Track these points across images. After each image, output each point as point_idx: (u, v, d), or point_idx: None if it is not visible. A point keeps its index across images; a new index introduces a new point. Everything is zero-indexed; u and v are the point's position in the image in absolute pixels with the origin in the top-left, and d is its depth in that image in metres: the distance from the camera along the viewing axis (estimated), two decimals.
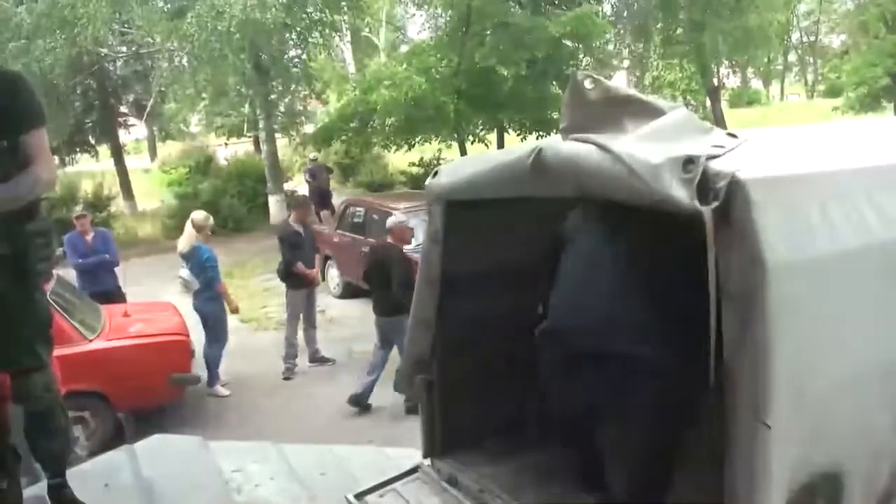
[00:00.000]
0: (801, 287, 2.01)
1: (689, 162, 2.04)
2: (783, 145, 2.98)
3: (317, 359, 9.10)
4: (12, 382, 3.28)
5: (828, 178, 2.25)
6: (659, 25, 25.26)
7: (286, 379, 8.69)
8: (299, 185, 22.51)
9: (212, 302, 8.27)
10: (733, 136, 2.39)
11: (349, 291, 12.13)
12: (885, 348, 2.24)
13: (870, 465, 2.25)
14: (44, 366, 3.31)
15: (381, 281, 7.41)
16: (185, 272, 8.09)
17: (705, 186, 2.00)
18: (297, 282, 8.74)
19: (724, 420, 2.09)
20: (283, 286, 9.19)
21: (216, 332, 8.34)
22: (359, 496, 3.53)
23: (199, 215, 8.34)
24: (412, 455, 3.96)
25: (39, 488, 3.64)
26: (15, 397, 3.32)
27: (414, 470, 3.67)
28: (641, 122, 2.52)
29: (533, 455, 3.59)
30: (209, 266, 8.08)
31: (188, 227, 8.21)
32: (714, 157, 2.08)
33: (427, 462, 3.65)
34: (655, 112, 2.57)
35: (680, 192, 2.02)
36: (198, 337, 8.34)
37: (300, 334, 8.97)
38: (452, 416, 3.61)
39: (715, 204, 1.96)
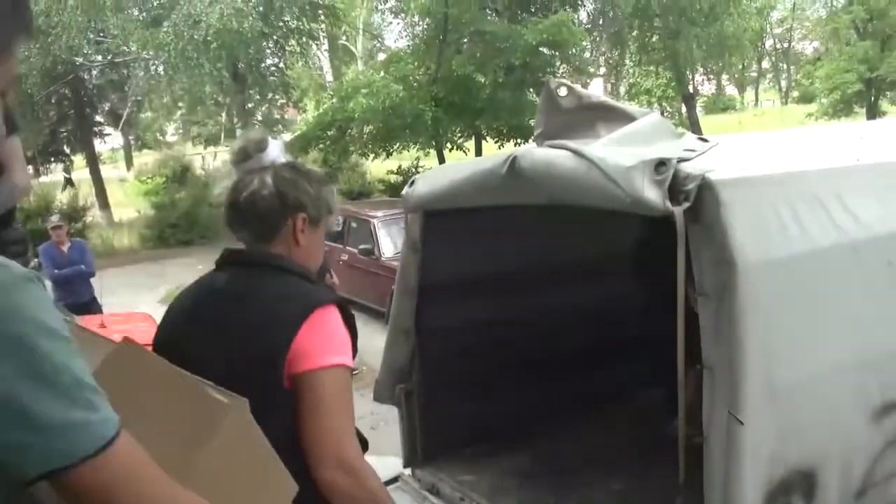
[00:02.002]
0: (771, 285, 2.05)
1: (660, 164, 2.07)
2: (754, 149, 3.03)
3: None
4: None
5: (797, 179, 2.29)
6: (634, 33, 25.46)
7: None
8: None
9: None
10: (704, 140, 2.44)
11: None
12: (857, 345, 2.27)
13: (844, 460, 2.28)
14: None
15: None
16: None
17: (676, 188, 2.03)
18: None
19: (690, 416, 2.11)
20: None
21: None
22: None
23: None
24: (392, 464, 3.95)
25: None
26: None
27: (395, 479, 3.66)
28: (614, 128, 2.56)
29: (512, 460, 3.60)
30: None
31: None
32: (685, 159, 2.12)
33: (408, 471, 3.65)
34: (627, 118, 2.61)
35: (652, 194, 2.05)
36: None
37: None
38: (432, 424, 3.61)
39: (686, 205, 2.00)
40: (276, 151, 1.84)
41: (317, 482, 1.62)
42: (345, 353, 1.71)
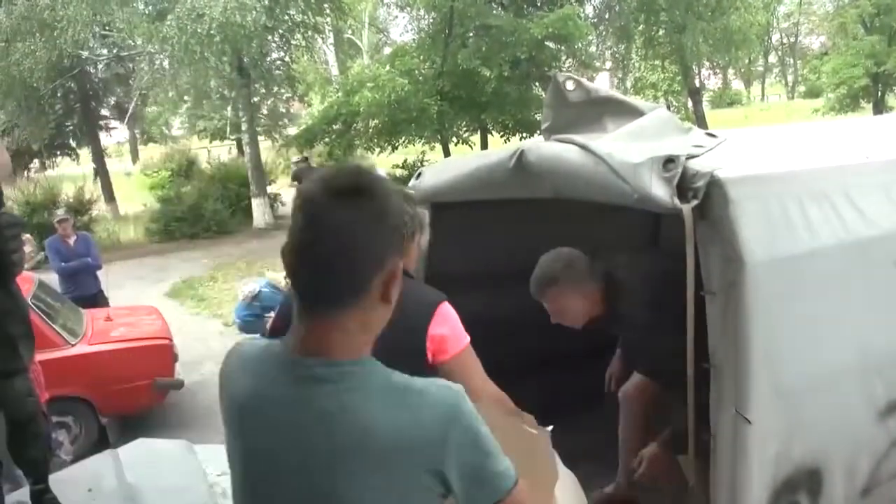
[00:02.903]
0: (779, 283, 2.03)
1: (669, 161, 2.06)
2: (762, 145, 3.02)
3: None
4: None
5: (805, 176, 2.27)
6: (640, 27, 25.38)
7: None
8: (282, 187, 22.44)
9: None
10: (713, 135, 2.42)
11: None
12: (864, 345, 2.26)
13: (850, 459, 2.28)
14: (25, 368, 3.27)
15: None
16: None
17: (685, 185, 2.02)
18: None
19: (699, 414, 2.11)
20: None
21: None
22: None
23: None
24: None
25: (22, 494, 3.61)
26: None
27: None
28: (622, 123, 2.55)
29: None
30: None
31: None
32: (693, 156, 2.10)
33: None
34: (635, 112, 2.60)
35: (660, 191, 2.04)
36: (181, 340, 8.30)
37: None
38: None
39: (694, 202, 1.99)
40: None
41: None
42: (465, 333, 2.28)
